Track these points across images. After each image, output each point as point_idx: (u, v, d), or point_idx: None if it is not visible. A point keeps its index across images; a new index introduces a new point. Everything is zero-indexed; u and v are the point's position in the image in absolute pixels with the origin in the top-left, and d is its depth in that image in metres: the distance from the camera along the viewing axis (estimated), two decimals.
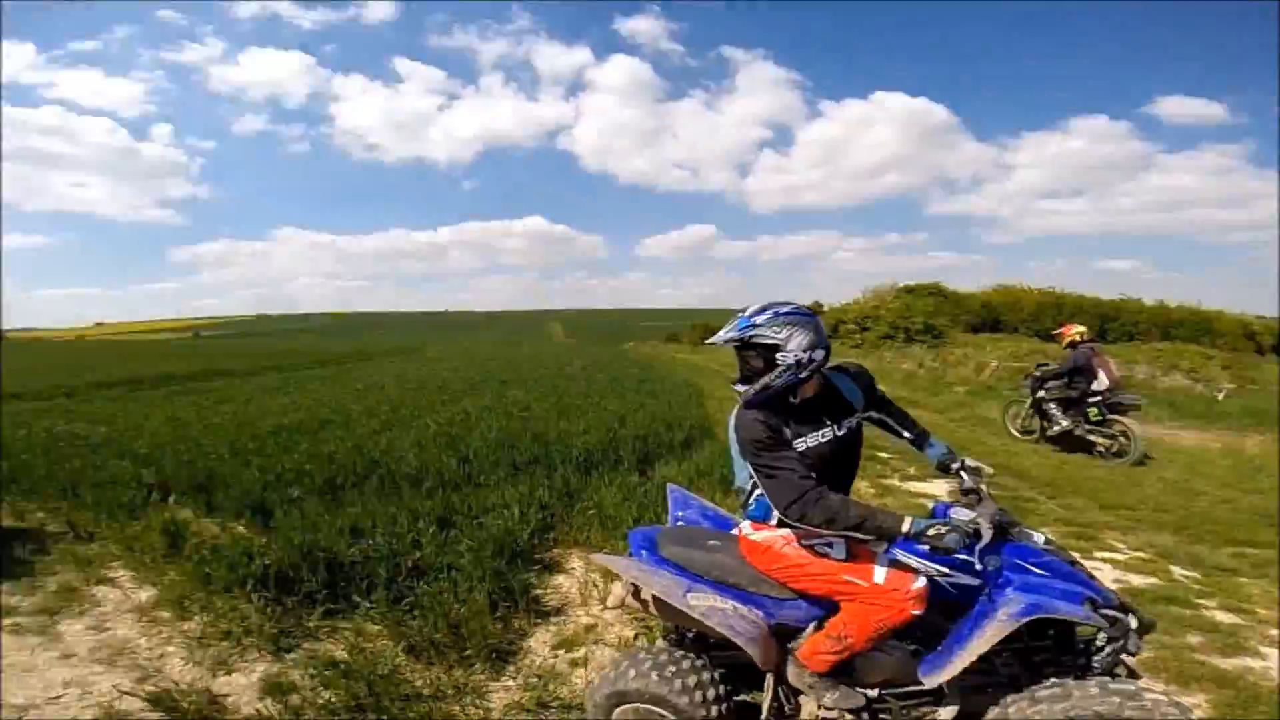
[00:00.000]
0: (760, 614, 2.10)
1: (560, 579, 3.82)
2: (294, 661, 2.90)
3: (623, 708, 2.17)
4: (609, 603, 2.38)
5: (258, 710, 2.54)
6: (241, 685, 2.75)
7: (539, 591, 3.61)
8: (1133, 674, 2.54)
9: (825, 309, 28.42)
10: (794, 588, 2.09)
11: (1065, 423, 7.84)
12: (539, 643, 3.14)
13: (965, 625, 1.99)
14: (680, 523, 2.58)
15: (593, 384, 13.00)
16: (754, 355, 1.99)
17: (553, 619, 3.37)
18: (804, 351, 1.97)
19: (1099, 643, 2.10)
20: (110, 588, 3.65)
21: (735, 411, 2.07)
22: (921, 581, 1.95)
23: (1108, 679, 2.01)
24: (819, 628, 2.06)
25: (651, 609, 2.22)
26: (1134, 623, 2.08)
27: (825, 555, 2.02)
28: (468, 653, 2.88)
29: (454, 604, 3.06)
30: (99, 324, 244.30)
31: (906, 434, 2.37)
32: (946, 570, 2.05)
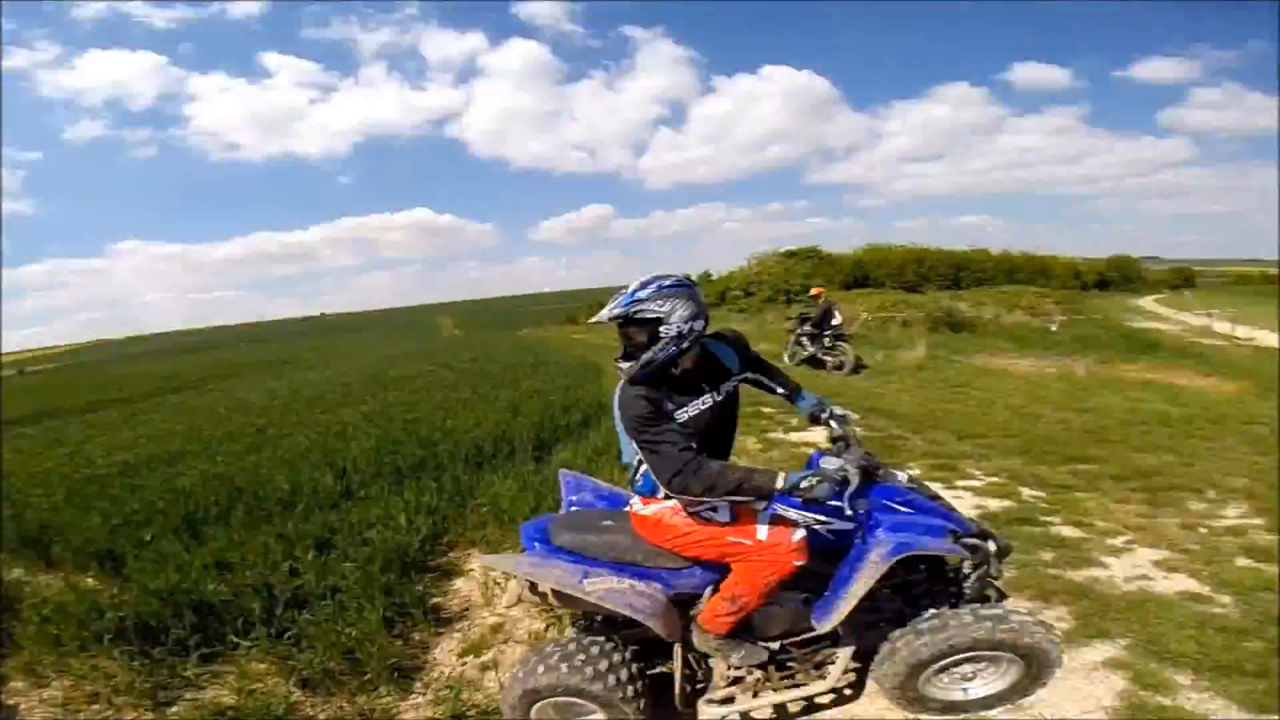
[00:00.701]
0: (659, 587, 2.13)
1: (459, 583, 3.68)
2: (179, 714, 2.66)
3: (539, 704, 2.15)
4: (505, 602, 2.34)
5: None
6: None
7: (438, 600, 3.46)
8: (1002, 595, 2.88)
9: (714, 277, 29.70)
10: (687, 556, 2.13)
11: (811, 349, 10.73)
12: (445, 652, 3.02)
13: (845, 569, 2.12)
14: (574, 507, 2.55)
15: (485, 375, 12.61)
16: (637, 330, 2.00)
17: (456, 625, 3.24)
18: (685, 323, 1.99)
19: (965, 570, 2.33)
20: None
21: (619, 388, 2.07)
22: (801, 533, 2.05)
23: (979, 605, 2.25)
24: (715, 592, 2.13)
25: (552, 600, 2.19)
26: (993, 548, 2.33)
27: (711, 520, 2.08)
28: (368, 676, 2.71)
29: (344, 628, 2.86)
30: None
31: (780, 390, 2.45)
32: (823, 519, 2.18)
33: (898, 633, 2.21)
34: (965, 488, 4.75)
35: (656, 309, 1.97)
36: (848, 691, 2.47)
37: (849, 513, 2.17)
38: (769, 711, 2.39)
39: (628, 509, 2.27)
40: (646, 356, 1.98)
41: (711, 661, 2.29)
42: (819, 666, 2.27)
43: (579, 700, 2.11)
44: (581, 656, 2.10)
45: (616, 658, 2.13)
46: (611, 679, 2.08)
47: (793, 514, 2.14)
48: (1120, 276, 45.00)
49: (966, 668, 2.24)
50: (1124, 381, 9.46)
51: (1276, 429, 6.11)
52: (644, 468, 2.09)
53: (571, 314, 42.77)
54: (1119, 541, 3.68)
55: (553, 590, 2.13)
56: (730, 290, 27.24)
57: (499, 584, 3.45)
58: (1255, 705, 2.27)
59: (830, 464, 2.07)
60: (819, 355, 10.68)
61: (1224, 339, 14.71)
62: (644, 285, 2.01)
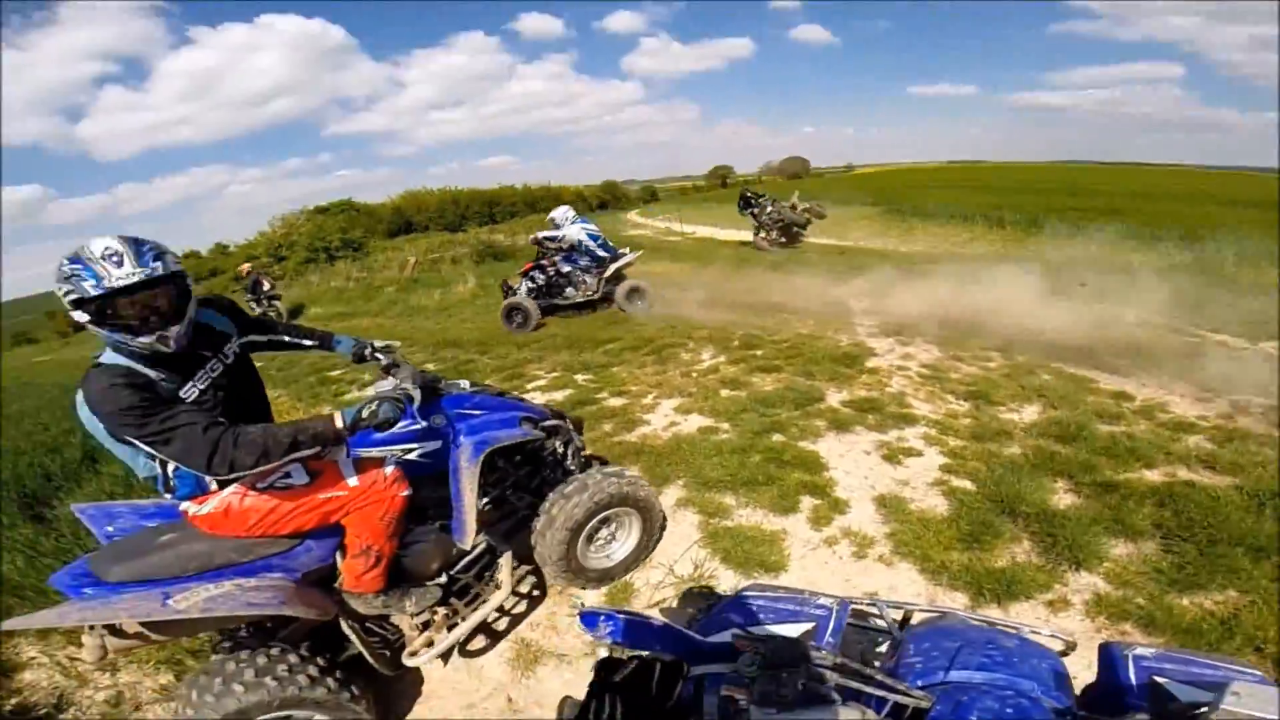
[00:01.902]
0: (279, 575, 1.86)
1: (27, 676, 2.52)
2: None
3: None
4: (87, 658, 1.80)
5: None
6: None
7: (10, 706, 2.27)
8: (604, 461, 3.33)
9: (231, 248, 24.87)
10: (288, 534, 1.88)
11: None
12: None
13: (453, 484, 2.13)
14: (114, 538, 2.01)
15: None
16: (162, 293, 1.60)
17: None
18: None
19: (559, 450, 2.58)
20: None
21: (81, 390, 1.58)
22: (391, 466, 1.96)
23: (601, 467, 2.56)
24: (344, 555, 1.95)
25: (152, 637, 1.82)
26: (571, 424, 2.62)
27: (291, 488, 1.86)
28: None
29: None
30: None
31: (308, 342, 2.26)
32: (408, 445, 2.12)
33: (549, 500, 2.39)
34: (534, 388, 5.19)
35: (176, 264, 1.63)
36: (535, 593, 2.61)
37: (417, 427, 2.14)
38: (479, 640, 2.41)
39: (182, 519, 1.87)
40: (115, 339, 1.57)
41: (394, 618, 2.14)
42: (491, 579, 2.31)
43: (290, 713, 1.79)
44: (251, 672, 1.75)
45: (291, 659, 1.83)
46: (294, 684, 1.78)
47: (375, 451, 2.04)
48: (612, 197, 55.78)
49: (604, 532, 2.57)
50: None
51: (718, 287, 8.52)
52: (171, 467, 1.71)
53: (24, 331, 29.26)
54: (649, 400, 4.57)
55: (142, 625, 1.74)
56: (255, 258, 23.06)
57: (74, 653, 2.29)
58: (778, 508, 3.03)
59: (384, 386, 2.02)
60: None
61: (679, 235, 19.74)
62: (139, 242, 1.59)
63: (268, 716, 1.74)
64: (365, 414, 1.74)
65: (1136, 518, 2.74)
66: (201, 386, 1.72)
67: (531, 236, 8.57)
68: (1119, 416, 3.79)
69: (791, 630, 1.05)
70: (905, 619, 1.23)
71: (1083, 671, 1.18)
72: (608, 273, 7.65)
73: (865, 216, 19.38)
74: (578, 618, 1.25)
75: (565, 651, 2.33)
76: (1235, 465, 3.14)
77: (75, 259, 1.51)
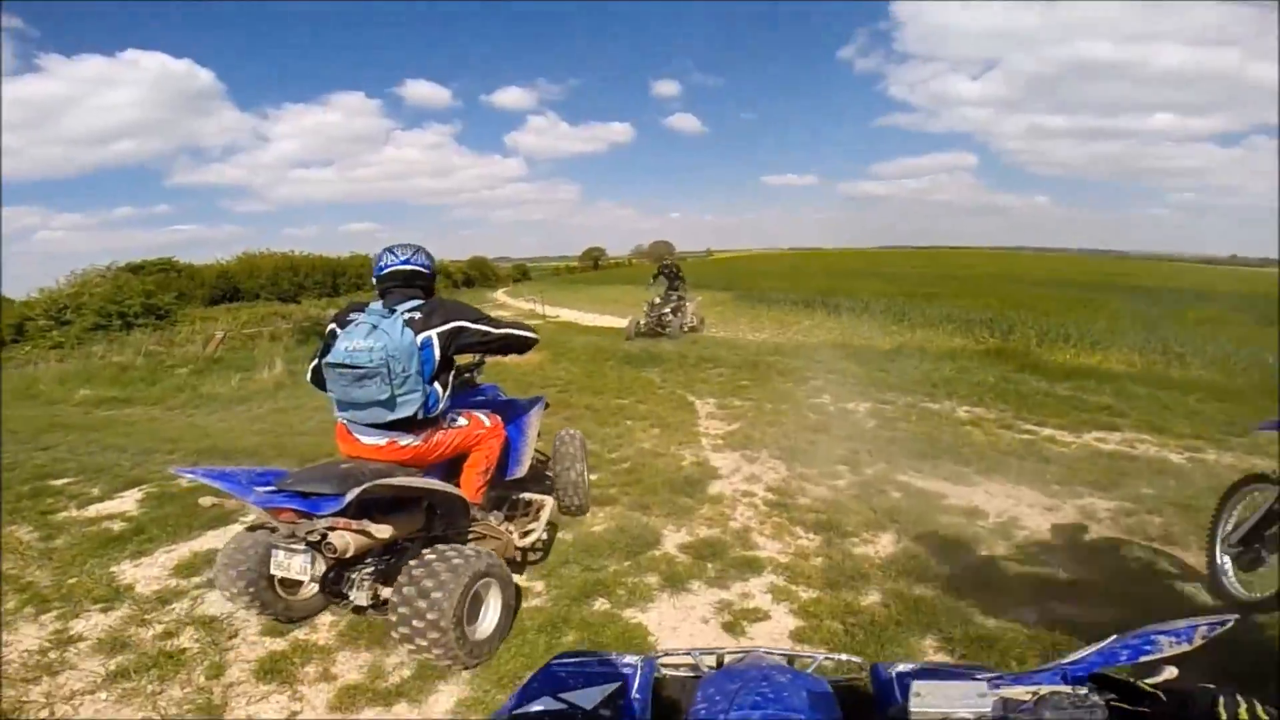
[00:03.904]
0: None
1: None
2: None
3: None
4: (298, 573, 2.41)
5: None
6: None
7: None
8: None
9: (16, 303, 20.63)
10: (448, 458, 2.82)
11: None
12: None
13: (513, 432, 3.19)
14: (233, 482, 2.53)
15: None
16: None
17: None
18: None
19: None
20: None
21: (386, 324, 2.52)
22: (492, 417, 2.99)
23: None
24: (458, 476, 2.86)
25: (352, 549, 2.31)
26: None
27: (460, 426, 2.83)
28: None
29: None
30: None
31: None
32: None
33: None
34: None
35: None
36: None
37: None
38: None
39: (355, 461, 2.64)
40: None
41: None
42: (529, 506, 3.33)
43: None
44: (457, 555, 2.49)
45: (467, 550, 2.62)
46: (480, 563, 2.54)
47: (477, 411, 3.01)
48: (479, 274, 54.64)
49: None
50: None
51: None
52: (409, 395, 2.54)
53: None
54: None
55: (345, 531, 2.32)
56: (30, 320, 18.96)
57: None
58: None
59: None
60: None
61: (541, 318, 19.10)
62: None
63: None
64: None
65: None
66: None
67: None
68: (977, 540, 3.40)
69: (599, 693, 1.03)
70: (720, 662, 1.25)
71: None
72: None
73: (720, 302, 20.21)
74: None
75: None
76: (1106, 594, 2.89)
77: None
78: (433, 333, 2.54)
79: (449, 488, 2.66)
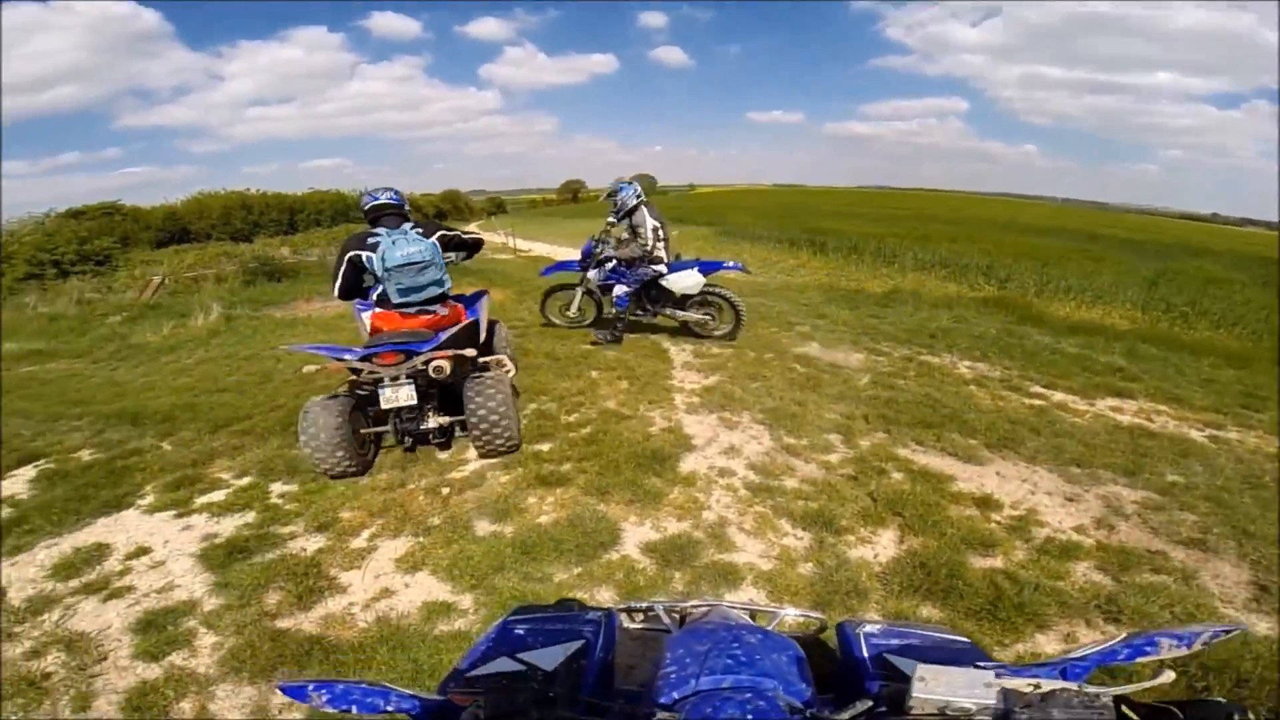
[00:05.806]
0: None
1: None
2: None
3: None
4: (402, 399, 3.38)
5: None
6: None
7: None
8: None
9: None
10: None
11: None
12: None
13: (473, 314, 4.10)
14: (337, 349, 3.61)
15: None
16: None
17: None
18: None
19: None
20: None
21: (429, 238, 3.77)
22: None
23: None
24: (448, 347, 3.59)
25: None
26: None
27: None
28: None
29: None
30: None
31: None
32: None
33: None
34: (204, 504, 3.42)
35: None
36: None
37: None
38: None
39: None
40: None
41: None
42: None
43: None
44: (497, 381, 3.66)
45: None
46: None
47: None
48: (453, 208, 52.32)
49: None
50: None
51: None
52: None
53: None
54: (362, 540, 2.94)
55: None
56: None
57: None
58: None
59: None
60: None
61: (512, 252, 18.06)
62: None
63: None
64: None
65: None
66: None
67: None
68: (992, 543, 2.85)
69: (561, 652, 0.97)
70: (683, 617, 1.19)
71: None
72: None
73: (701, 237, 19.21)
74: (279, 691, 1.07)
75: None
76: (1139, 612, 2.39)
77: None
78: (434, 237, 3.66)
79: (482, 332, 4.09)
